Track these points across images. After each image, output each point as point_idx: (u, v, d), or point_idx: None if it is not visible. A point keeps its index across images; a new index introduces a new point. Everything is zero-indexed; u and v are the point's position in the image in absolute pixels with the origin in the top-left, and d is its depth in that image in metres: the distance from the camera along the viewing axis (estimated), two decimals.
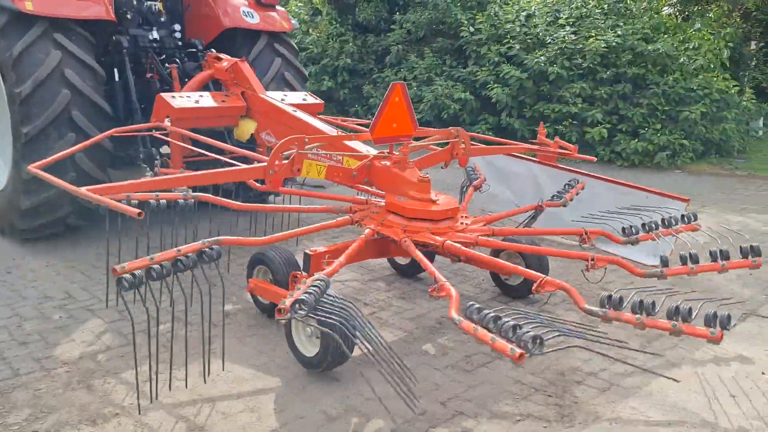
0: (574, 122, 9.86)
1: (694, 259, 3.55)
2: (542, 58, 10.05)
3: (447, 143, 4.55)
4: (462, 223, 3.83)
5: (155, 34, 5.94)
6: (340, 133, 4.55)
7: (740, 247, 3.58)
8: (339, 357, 3.22)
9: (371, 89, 12.58)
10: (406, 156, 3.97)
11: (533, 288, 3.21)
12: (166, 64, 5.84)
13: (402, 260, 4.76)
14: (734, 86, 10.33)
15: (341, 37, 13.35)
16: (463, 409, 3.09)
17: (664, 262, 3.59)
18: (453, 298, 2.90)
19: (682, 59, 10.00)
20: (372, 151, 4.19)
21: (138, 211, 2.93)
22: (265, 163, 3.57)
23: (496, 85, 10.28)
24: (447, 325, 3.99)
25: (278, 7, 6.56)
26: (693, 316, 2.79)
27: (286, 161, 3.58)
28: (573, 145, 5.40)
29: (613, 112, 9.98)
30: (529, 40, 10.55)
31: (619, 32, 10.07)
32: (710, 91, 9.89)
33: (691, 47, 10.26)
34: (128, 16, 5.81)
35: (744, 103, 10.70)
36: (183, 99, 4.95)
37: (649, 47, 9.89)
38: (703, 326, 2.77)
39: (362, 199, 4.33)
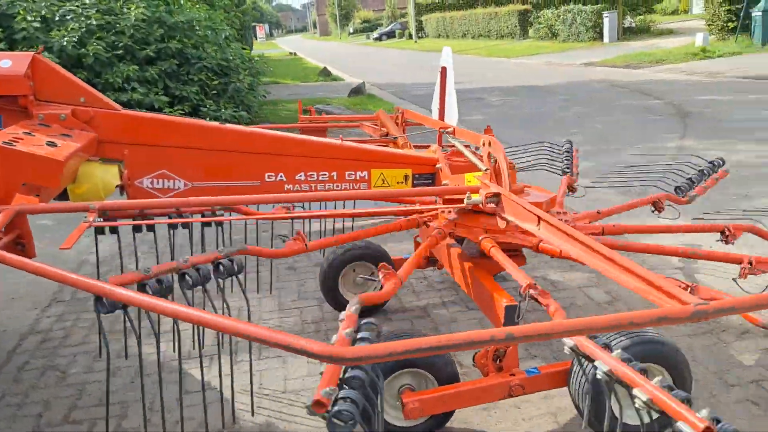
0: (143, 110, 8.28)
1: None
2: (75, 36, 7.90)
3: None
4: (562, 220, 2.99)
5: None
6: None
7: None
8: None
9: None
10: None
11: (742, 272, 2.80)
12: None
13: None
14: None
15: None
16: None
17: None
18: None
19: (208, 32, 9.61)
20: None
21: None
22: None
23: None
24: None
25: None
26: None
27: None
28: None
29: (164, 93, 8.84)
30: (39, 18, 8.05)
31: (142, 4, 8.83)
32: (242, 60, 9.93)
33: (202, 18, 9.93)
34: None
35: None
36: None
37: (177, 18, 9.10)
38: None
39: (431, 199, 3.15)
